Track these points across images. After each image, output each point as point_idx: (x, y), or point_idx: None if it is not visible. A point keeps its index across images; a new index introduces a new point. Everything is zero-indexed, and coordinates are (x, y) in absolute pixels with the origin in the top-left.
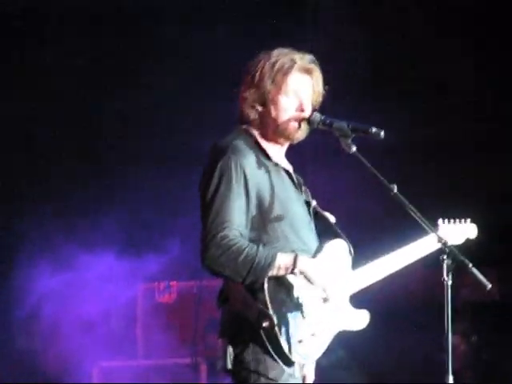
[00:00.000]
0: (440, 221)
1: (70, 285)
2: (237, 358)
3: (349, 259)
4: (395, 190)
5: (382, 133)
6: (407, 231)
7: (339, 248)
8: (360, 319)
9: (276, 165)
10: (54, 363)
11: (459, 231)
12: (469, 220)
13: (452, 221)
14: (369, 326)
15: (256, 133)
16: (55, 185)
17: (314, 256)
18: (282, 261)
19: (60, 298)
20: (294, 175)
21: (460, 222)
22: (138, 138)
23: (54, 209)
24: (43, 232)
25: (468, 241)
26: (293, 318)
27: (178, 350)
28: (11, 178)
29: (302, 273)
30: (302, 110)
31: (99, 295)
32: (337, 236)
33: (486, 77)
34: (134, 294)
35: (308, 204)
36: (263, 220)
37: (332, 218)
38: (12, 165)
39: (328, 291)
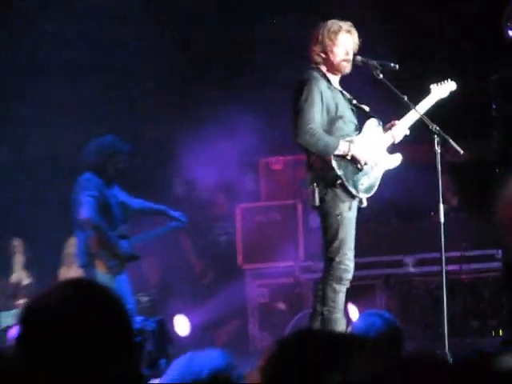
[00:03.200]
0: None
1: None
2: (321, 198)
3: (379, 128)
4: (406, 99)
5: (397, 66)
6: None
7: (372, 124)
8: (396, 160)
9: (335, 87)
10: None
11: (445, 88)
12: (449, 79)
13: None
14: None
15: (323, 69)
16: None
17: (359, 134)
18: (342, 146)
19: None
20: (344, 92)
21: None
22: None
23: None
24: None
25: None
26: (354, 173)
27: (283, 196)
28: None
29: (352, 155)
30: (347, 55)
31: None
32: (371, 117)
33: None
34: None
35: (352, 110)
36: (330, 119)
37: (367, 108)
38: None
39: (369, 161)
